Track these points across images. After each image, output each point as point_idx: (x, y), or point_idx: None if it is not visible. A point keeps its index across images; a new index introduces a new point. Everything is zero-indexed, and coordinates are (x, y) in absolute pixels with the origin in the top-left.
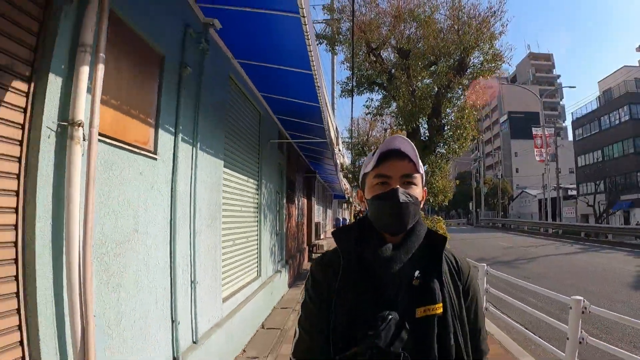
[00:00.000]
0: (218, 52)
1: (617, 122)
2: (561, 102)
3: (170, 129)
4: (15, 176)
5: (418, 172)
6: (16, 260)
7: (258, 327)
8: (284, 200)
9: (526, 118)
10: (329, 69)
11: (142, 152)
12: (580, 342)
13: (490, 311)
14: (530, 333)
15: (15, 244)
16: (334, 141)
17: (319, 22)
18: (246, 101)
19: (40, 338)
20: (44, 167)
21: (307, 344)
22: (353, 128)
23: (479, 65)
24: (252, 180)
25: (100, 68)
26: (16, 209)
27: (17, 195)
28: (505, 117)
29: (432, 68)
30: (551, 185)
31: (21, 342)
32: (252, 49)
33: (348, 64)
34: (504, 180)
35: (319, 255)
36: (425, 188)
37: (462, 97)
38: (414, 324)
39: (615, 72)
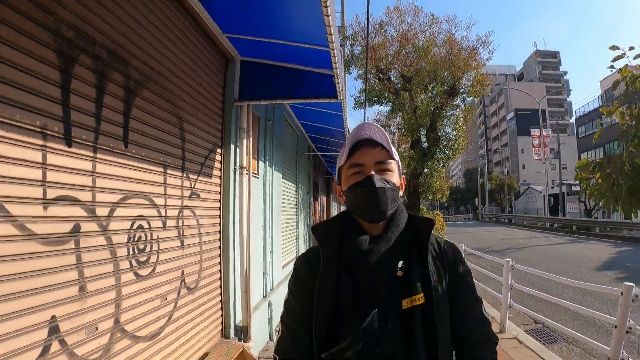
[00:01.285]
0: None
1: (617, 120)
2: (568, 99)
3: (262, 158)
4: (219, 193)
5: (392, 158)
6: (219, 232)
7: None
8: (312, 199)
9: (532, 115)
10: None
11: (255, 175)
12: (511, 288)
13: None
14: (489, 289)
15: (220, 224)
16: None
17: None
18: (290, 128)
19: (230, 271)
20: (231, 189)
21: (289, 340)
22: None
23: (468, 88)
24: (293, 185)
25: (251, 140)
26: (220, 208)
27: (220, 202)
28: (512, 114)
29: (430, 87)
30: (556, 181)
31: (220, 271)
32: None
33: (361, 80)
34: (510, 177)
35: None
36: (404, 176)
37: (453, 115)
38: (402, 316)
39: (616, 71)
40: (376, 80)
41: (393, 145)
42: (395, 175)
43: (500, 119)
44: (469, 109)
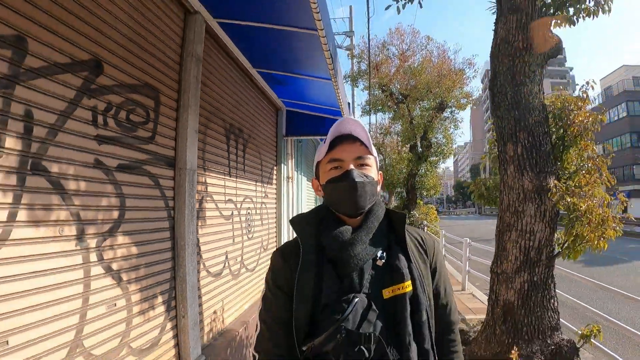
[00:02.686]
0: None
1: (616, 118)
2: (574, 94)
3: (296, 170)
4: (275, 194)
5: (371, 154)
6: (275, 217)
7: None
8: None
9: None
10: (349, 93)
11: (291, 180)
12: (469, 259)
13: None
14: (457, 261)
15: (275, 213)
16: None
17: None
18: (309, 141)
19: (281, 239)
20: (282, 192)
21: (268, 337)
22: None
23: (455, 103)
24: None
25: (293, 160)
26: (276, 203)
27: (276, 199)
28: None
29: (423, 102)
30: None
31: (275, 240)
32: None
33: (366, 91)
34: None
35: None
36: (381, 172)
37: (442, 126)
38: (385, 305)
39: (615, 70)
40: (380, 92)
41: (394, 148)
42: (374, 170)
43: None
44: (456, 119)
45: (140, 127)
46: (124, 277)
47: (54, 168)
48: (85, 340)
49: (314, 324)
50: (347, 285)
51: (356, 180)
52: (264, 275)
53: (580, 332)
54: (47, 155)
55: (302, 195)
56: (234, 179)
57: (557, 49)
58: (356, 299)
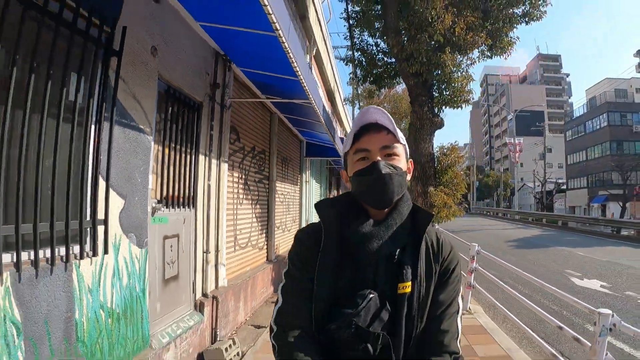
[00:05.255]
0: None
1: (598, 127)
2: (569, 100)
3: (310, 176)
4: (299, 193)
5: (399, 142)
6: (299, 205)
7: None
8: (328, 192)
9: (532, 116)
10: (349, 111)
11: (307, 183)
12: None
13: None
14: None
15: (299, 203)
16: None
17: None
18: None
19: (301, 217)
20: (303, 190)
21: (291, 311)
22: None
23: None
24: (318, 184)
25: (309, 171)
26: (300, 197)
27: (299, 194)
28: (511, 115)
29: (402, 122)
30: (553, 179)
31: (299, 217)
32: None
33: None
34: (506, 174)
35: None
36: (411, 160)
37: None
38: (393, 302)
39: (599, 82)
40: None
41: None
42: (402, 160)
43: (502, 118)
44: None
45: (263, 166)
46: (259, 219)
47: (248, 181)
48: (250, 238)
49: (329, 311)
50: (362, 278)
51: (383, 172)
52: (294, 234)
53: None
54: (247, 178)
55: (312, 191)
56: (284, 183)
57: (440, 126)
58: (370, 296)
